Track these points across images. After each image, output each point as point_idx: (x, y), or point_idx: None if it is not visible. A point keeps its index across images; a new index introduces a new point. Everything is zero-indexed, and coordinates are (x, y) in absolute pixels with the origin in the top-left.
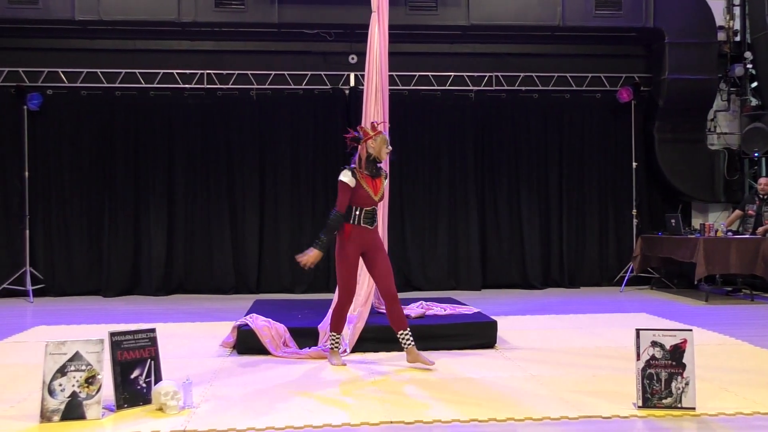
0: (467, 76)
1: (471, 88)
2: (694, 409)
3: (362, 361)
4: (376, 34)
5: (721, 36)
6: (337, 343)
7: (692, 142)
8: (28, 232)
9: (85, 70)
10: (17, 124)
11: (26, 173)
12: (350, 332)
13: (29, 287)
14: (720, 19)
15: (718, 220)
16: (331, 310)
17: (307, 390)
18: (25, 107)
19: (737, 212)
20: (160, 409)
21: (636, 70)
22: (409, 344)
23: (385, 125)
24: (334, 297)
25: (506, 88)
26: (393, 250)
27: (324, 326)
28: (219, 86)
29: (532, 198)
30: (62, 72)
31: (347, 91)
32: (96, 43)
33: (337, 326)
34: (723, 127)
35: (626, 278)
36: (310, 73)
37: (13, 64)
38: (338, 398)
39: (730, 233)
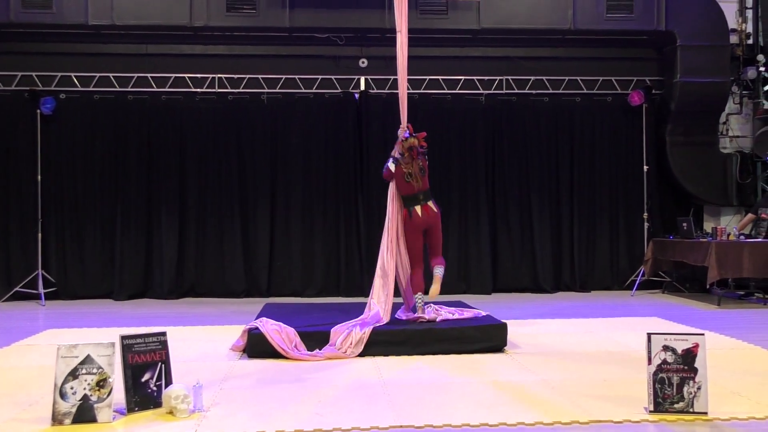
0: (478, 79)
1: (481, 91)
2: (706, 413)
3: (372, 365)
4: (399, 42)
5: (734, 39)
6: (421, 301)
7: (704, 145)
8: (40, 235)
9: (98, 75)
10: (31, 128)
11: (39, 177)
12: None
13: (41, 290)
14: (732, 21)
15: (730, 224)
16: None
17: (317, 393)
18: (39, 111)
19: (750, 216)
20: (171, 413)
21: (647, 73)
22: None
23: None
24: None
25: (517, 91)
26: None
27: (336, 328)
28: (230, 90)
29: (542, 201)
30: (75, 76)
31: (358, 95)
32: (109, 47)
33: (418, 287)
34: (735, 130)
35: (637, 282)
36: (320, 77)
37: (27, 69)
38: (348, 402)
39: (742, 237)
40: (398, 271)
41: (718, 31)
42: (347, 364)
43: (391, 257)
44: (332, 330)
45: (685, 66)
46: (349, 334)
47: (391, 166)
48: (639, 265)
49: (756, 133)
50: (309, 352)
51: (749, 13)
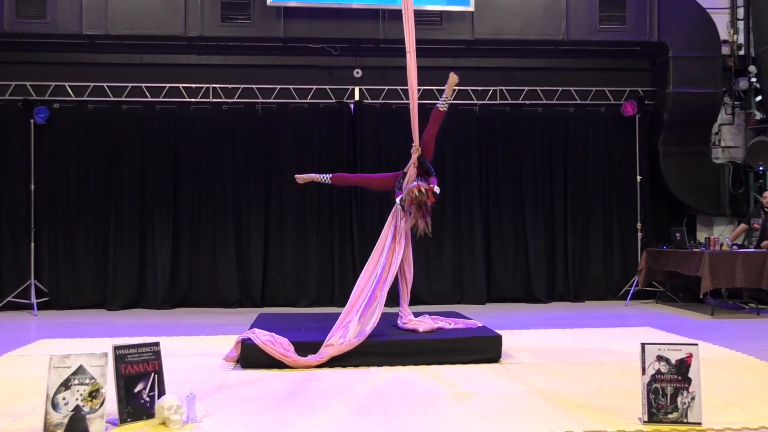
0: (472, 90)
1: (475, 102)
2: (700, 424)
3: (367, 376)
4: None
5: (725, 50)
6: None
7: (697, 156)
8: (33, 245)
9: (92, 84)
10: (24, 138)
11: (32, 186)
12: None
13: (34, 300)
14: (724, 33)
15: (723, 234)
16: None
17: (311, 404)
18: (32, 121)
19: (742, 226)
20: (164, 424)
21: (640, 83)
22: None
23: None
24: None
25: (511, 102)
26: None
27: (329, 339)
28: (225, 100)
29: (536, 211)
30: (69, 86)
31: (352, 105)
32: (103, 57)
33: None
34: (727, 140)
35: (631, 292)
36: (315, 87)
37: (21, 78)
38: (342, 413)
39: (735, 247)
40: (400, 277)
41: (710, 42)
42: (341, 375)
43: (390, 266)
44: (325, 341)
45: (677, 77)
46: (347, 330)
47: (399, 205)
48: (632, 275)
49: (748, 143)
50: (306, 358)
51: (741, 25)
